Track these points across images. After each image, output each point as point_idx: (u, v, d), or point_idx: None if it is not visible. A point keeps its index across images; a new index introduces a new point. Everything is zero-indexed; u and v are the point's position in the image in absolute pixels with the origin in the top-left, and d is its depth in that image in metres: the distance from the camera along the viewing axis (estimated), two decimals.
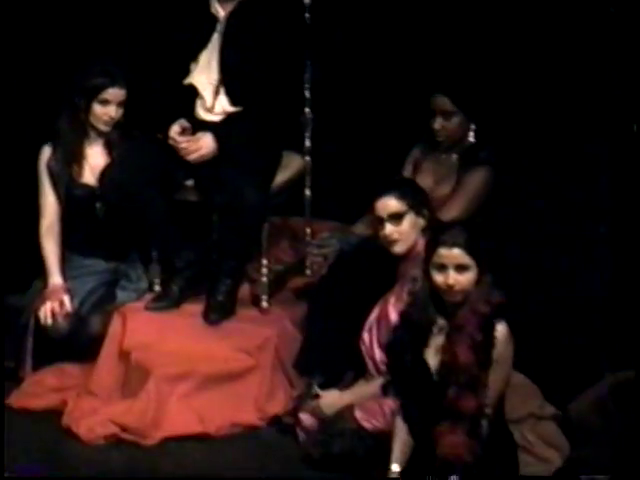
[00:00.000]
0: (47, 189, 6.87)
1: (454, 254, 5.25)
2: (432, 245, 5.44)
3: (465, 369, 5.38)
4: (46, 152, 6.84)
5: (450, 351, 5.42)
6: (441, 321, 5.41)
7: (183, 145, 6.62)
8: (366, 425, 5.97)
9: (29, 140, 7.17)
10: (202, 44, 6.76)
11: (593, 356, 6.63)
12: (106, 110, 6.68)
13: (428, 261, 5.37)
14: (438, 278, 5.26)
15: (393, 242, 6.12)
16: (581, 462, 5.98)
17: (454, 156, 6.79)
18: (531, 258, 6.89)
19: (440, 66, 7.17)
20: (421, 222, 6.13)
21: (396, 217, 6.13)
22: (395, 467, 5.38)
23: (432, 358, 5.41)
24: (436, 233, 5.61)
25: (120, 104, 6.69)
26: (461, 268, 5.26)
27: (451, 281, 5.27)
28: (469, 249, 5.29)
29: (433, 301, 5.42)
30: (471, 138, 6.81)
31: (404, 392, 5.59)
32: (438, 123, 6.69)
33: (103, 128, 6.74)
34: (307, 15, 7.18)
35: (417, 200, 6.25)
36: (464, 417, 5.39)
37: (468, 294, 5.35)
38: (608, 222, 6.87)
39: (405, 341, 5.56)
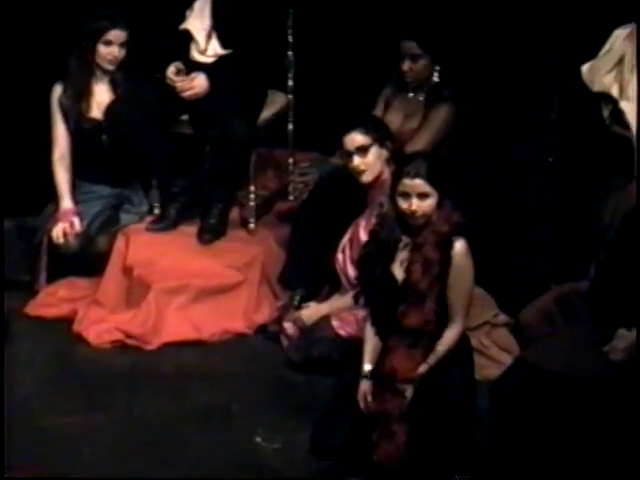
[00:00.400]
0: (58, 122, 7.02)
1: (416, 184, 5.40)
2: (397, 175, 5.61)
3: (414, 285, 5.55)
4: (57, 90, 6.99)
5: (407, 268, 5.61)
6: (406, 239, 5.55)
7: (178, 84, 6.81)
8: (341, 332, 6.22)
9: (43, 79, 7.26)
10: None
11: (541, 269, 6.75)
12: (110, 50, 6.82)
13: (394, 189, 5.52)
14: (402, 205, 5.44)
15: (361, 172, 6.32)
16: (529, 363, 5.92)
17: (421, 95, 6.93)
18: (486, 181, 6.96)
19: (409, 14, 7.22)
20: (385, 153, 6.33)
21: (362, 150, 6.32)
22: (367, 367, 5.57)
23: (397, 271, 5.57)
24: (401, 164, 5.74)
25: (122, 45, 6.83)
26: (423, 196, 5.42)
27: (414, 207, 5.44)
28: (430, 179, 5.44)
29: (399, 222, 5.57)
30: (436, 78, 6.94)
31: (372, 300, 5.72)
32: (406, 65, 6.84)
33: (108, 67, 6.88)
34: None
35: (380, 134, 6.45)
36: (409, 332, 5.58)
37: (430, 217, 5.51)
38: (557, 145, 6.89)
39: (374, 256, 5.69)
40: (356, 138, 6.39)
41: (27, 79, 7.47)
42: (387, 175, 6.20)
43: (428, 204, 5.47)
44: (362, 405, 5.71)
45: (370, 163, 6.37)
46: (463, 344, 5.79)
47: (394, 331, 5.70)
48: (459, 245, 5.52)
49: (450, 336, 5.60)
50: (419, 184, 5.43)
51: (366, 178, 6.34)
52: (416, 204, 5.44)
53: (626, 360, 5.56)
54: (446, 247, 5.58)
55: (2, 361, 5.63)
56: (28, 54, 7.51)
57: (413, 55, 6.87)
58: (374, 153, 6.39)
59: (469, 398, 5.69)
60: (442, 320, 5.64)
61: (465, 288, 5.61)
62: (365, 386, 5.66)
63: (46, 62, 7.35)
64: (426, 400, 5.68)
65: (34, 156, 7.33)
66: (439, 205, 5.54)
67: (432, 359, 5.60)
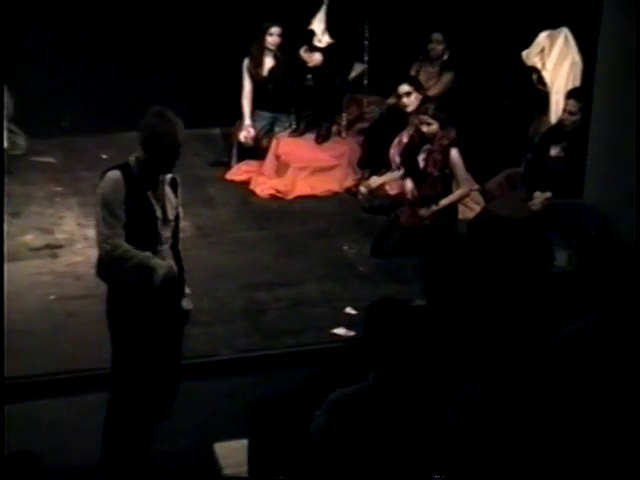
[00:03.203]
0: (246, 78, 7.85)
1: (426, 119, 6.48)
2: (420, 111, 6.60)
3: (430, 174, 6.52)
4: (246, 61, 7.84)
5: (426, 163, 6.54)
6: (425, 146, 6.53)
7: (306, 58, 7.78)
8: (390, 192, 7.08)
9: (241, 54, 7.82)
10: (318, 9, 7.72)
11: (498, 161, 7.24)
12: (272, 39, 7.69)
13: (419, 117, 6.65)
14: (422, 127, 6.55)
15: (406, 106, 7.14)
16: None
17: (436, 66, 7.68)
18: (470, 112, 7.33)
19: (438, 15, 7.74)
20: (419, 96, 7.12)
21: (407, 94, 7.13)
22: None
23: (421, 161, 6.55)
24: (422, 104, 6.83)
25: (279, 35, 7.65)
26: (431, 124, 6.52)
27: (425, 129, 6.52)
28: (434, 115, 6.49)
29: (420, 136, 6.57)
30: (446, 56, 7.67)
31: (409, 173, 6.70)
32: (432, 47, 7.62)
33: (271, 48, 7.73)
34: None
35: (417, 85, 7.24)
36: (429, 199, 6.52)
37: (436, 134, 6.46)
38: (509, 94, 7.31)
39: (410, 151, 6.69)
40: (404, 87, 7.17)
41: (234, 55, 7.81)
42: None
43: (435, 127, 6.51)
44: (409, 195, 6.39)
45: (412, 102, 7.10)
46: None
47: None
48: (454, 152, 6.49)
49: (458, 192, 6.52)
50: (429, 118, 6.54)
51: (409, 109, 7.10)
52: (427, 128, 6.49)
53: (540, 210, 6.20)
54: (446, 153, 6.46)
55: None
56: (235, 41, 7.83)
57: (438, 41, 7.57)
58: (414, 96, 7.12)
59: (453, 226, 6.60)
60: (446, 191, 6.49)
61: (464, 174, 6.55)
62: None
63: (242, 45, 7.78)
64: (431, 226, 6.51)
65: (234, 95, 7.87)
66: (441, 127, 6.48)
67: (444, 201, 6.46)
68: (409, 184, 6.61)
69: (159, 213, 4.45)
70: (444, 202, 6.49)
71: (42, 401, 5.06)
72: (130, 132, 6.89)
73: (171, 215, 4.50)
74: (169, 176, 4.53)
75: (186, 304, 4.65)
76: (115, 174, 4.40)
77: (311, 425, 3.41)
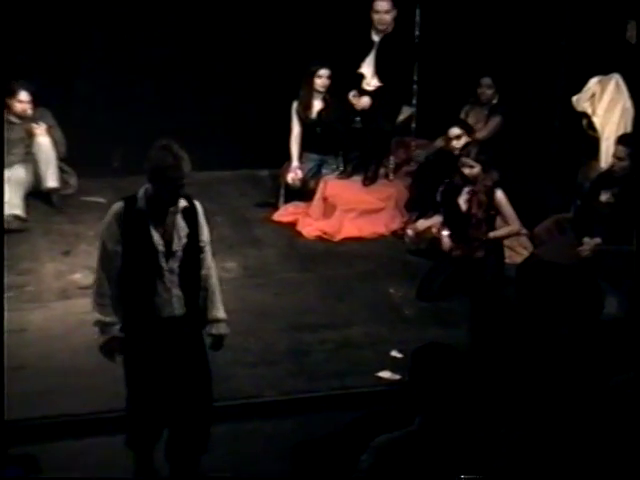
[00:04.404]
0: (295, 120, 7.92)
1: (468, 161, 6.52)
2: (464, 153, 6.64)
3: (474, 215, 6.54)
4: (295, 103, 7.91)
5: (470, 204, 6.55)
6: (467, 187, 6.54)
7: (355, 101, 7.78)
8: (436, 234, 6.84)
9: (290, 96, 7.88)
10: (367, 52, 7.70)
11: (547, 204, 7.17)
12: (321, 82, 7.77)
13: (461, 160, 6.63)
14: (465, 170, 6.56)
15: (455, 149, 7.08)
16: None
17: (486, 110, 7.77)
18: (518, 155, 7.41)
19: (487, 60, 7.79)
20: (469, 140, 7.07)
21: (457, 137, 7.16)
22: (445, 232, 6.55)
23: (462, 203, 6.57)
24: (465, 146, 6.80)
25: (328, 77, 7.71)
26: (473, 166, 6.55)
27: (467, 171, 6.57)
28: (476, 158, 6.52)
29: (462, 178, 6.55)
30: (495, 100, 7.74)
31: (447, 219, 6.72)
32: (482, 92, 7.71)
33: (320, 90, 7.79)
34: (417, 33, 7.84)
35: (467, 128, 7.27)
36: (474, 239, 6.54)
37: (478, 176, 6.50)
38: (558, 143, 7.37)
39: (450, 193, 6.66)
40: (455, 130, 7.21)
41: (283, 97, 7.86)
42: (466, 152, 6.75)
43: (477, 170, 6.55)
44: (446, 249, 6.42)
45: (461, 145, 7.04)
46: (498, 243, 6.60)
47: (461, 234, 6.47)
48: (499, 192, 6.57)
49: (508, 228, 6.54)
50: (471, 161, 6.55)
51: (458, 152, 6.94)
52: (469, 170, 6.54)
53: (589, 256, 6.21)
54: (491, 193, 6.53)
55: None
56: (284, 84, 7.86)
57: (488, 86, 7.65)
58: (464, 139, 7.12)
59: (500, 269, 6.62)
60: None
61: (511, 212, 6.54)
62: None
63: (292, 87, 7.86)
64: (478, 268, 6.48)
65: (282, 137, 7.93)
66: (483, 170, 6.53)
67: (493, 234, 6.49)
68: (445, 238, 6.60)
69: (161, 246, 4.50)
70: (493, 234, 6.51)
71: (88, 440, 5.08)
72: None
73: (177, 246, 4.53)
74: (182, 204, 4.57)
75: (223, 330, 4.71)
76: (117, 207, 4.55)
77: (356, 469, 3.38)
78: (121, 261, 4.49)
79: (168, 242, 4.51)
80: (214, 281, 4.73)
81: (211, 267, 4.71)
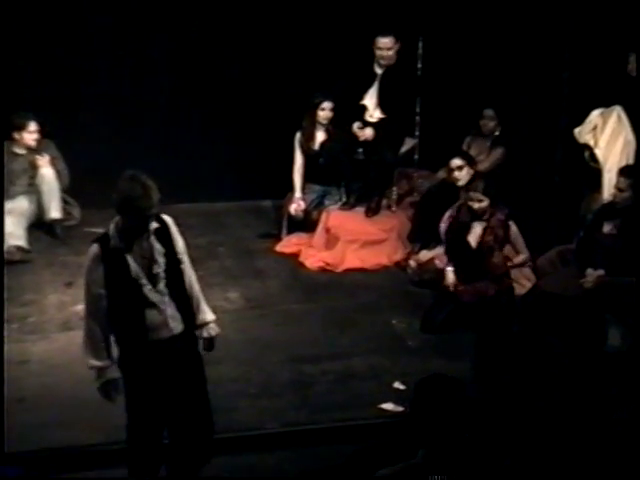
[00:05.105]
0: (297, 151, 7.89)
1: (477, 195, 6.53)
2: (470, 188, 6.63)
3: (488, 247, 6.52)
4: (298, 134, 7.89)
5: (484, 239, 6.53)
6: (477, 222, 6.54)
7: (358, 133, 7.79)
8: (440, 266, 6.88)
9: (293, 128, 7.87)
10: (370, 85, 7.74)
11: (550, 237, 7.06)
12: (324, 114, 7.78)
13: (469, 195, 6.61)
14: (472, 204, 6.57)
15: (458, 180, 7.05)
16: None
17: (488, 141, 7.70)
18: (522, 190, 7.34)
19: (491, 91, 7.73)
20: (471, 171, 7.06)
21: (460, 168, 7.06)
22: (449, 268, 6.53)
23: (472, 239, 6.56)
24: (472, 180, 6.80)
25: (331, 110, 7.73)
26: (482, 200, 6.51)
27: (476, 206, 6.57)
28: (485, 192, 6.49)
29: (471, 213, 6.57)
30: (497, 132, 7.69)
31: (452, 256, 6.71)
32: (484, 123, 7.69)
33: (323, 122, 7.80)
34: (419, 65, 7.91)
35: (469, 160, 7.18)
36: (490, 272, 6.52)
37: (487, 210, 6.48)
38: (561, 173, 7.30)
39: (457, 230, 6.65)
40: (456, 161, 7.12)
41: (283, 128, 7.88)
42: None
43: (485, 204, 6.54)
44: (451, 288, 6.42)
45: (463, 176, 7.05)
46: (509, 281, 6.58)
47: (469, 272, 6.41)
48: (512, 225, 6.62)
49: (522, 257, 6.64)
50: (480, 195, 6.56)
51: (461, 183, 7.04)
52: (478, 205, 6.55)
53: (592, 287, 6.17)
54: (506, 226, 6.58)
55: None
56: (287, 115, 7.84)
57: (490, 117, 7.61)
58: (465, 170, 7.07)
59: (512, 303, 6.52)
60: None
61: (523, 243, 6.68)
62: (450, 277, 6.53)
63: (292, 120, 7.82)
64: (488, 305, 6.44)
65: (285, 168, 7.95)
66: (491, 204, 6.48)
67: (511, 263, 6.53)
68: (450, 274, 6.57)
69: (141, 274, 4.54)
70: (512, 263, 6.58)
71: (93, 472, 5.08)
72: (182, 204, 7.47)
73: (158, 268, 4.56)
74: (154, 226, 4.61)
75: (213, 331, 4.80)
76: (93, 250, 4.58)
77: None
78: (107, 301, 4.51)
79: (149, 267, 4.55)
80: (196, 286, 4.82)
81: (192, 274, 4.80)
